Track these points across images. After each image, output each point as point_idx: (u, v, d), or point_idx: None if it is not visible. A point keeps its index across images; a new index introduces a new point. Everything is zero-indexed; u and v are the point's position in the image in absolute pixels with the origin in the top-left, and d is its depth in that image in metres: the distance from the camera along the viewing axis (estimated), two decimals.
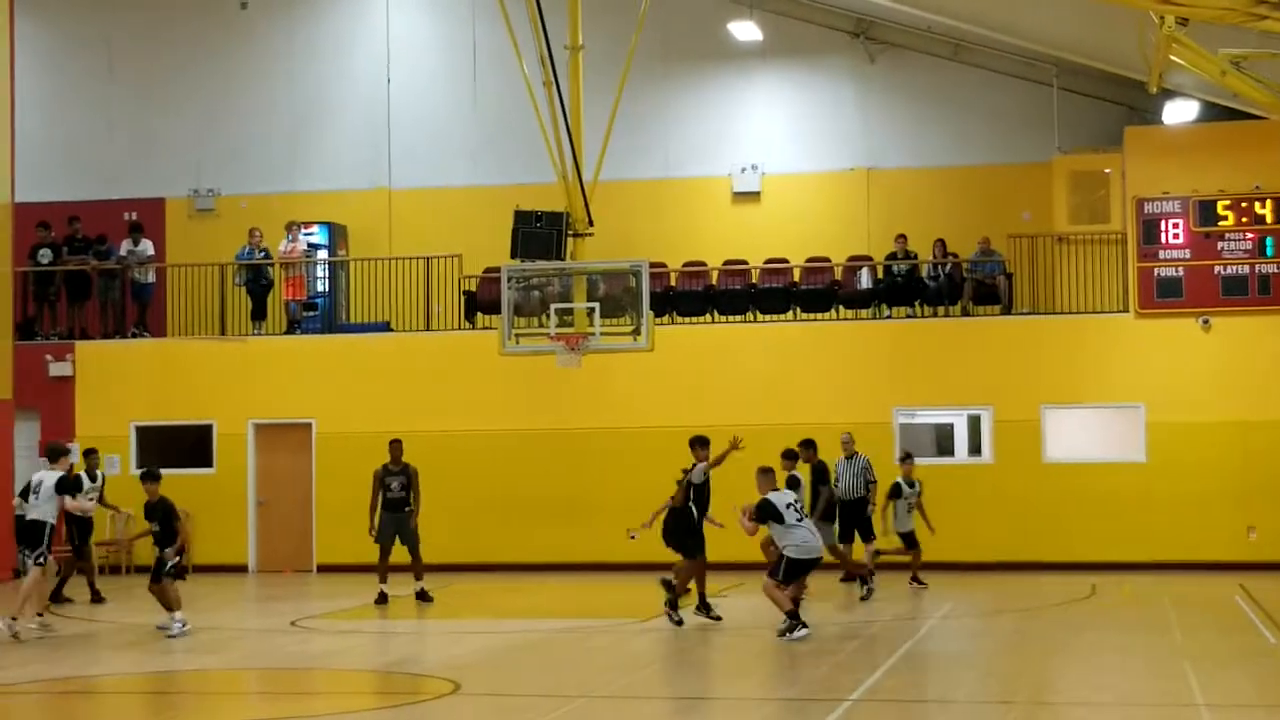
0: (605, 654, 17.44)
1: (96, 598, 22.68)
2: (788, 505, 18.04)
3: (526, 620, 20.58)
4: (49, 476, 18.99)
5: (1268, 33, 17.11)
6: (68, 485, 19.30)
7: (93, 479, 22.93)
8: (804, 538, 17.98)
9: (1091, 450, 26.27)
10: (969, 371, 26.34)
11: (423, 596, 21.96)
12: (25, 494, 19.28)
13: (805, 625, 17.83)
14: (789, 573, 18.00)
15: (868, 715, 13.47)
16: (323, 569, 27.17)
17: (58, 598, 22.41)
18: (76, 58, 31.44)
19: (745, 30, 28.61)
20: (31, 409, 27.54)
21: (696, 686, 15.59)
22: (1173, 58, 18.86)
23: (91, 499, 22.56)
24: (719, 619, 19.12)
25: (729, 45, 29.17)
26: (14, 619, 18.20)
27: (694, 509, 19.11)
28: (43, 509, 18.85)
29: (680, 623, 18.73)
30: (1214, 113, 26.25)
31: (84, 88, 31.27)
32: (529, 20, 21.04)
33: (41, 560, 18.76)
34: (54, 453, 19.50)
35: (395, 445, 22.23)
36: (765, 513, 17.98)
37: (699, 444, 19.62)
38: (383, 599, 21.70)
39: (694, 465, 19.30)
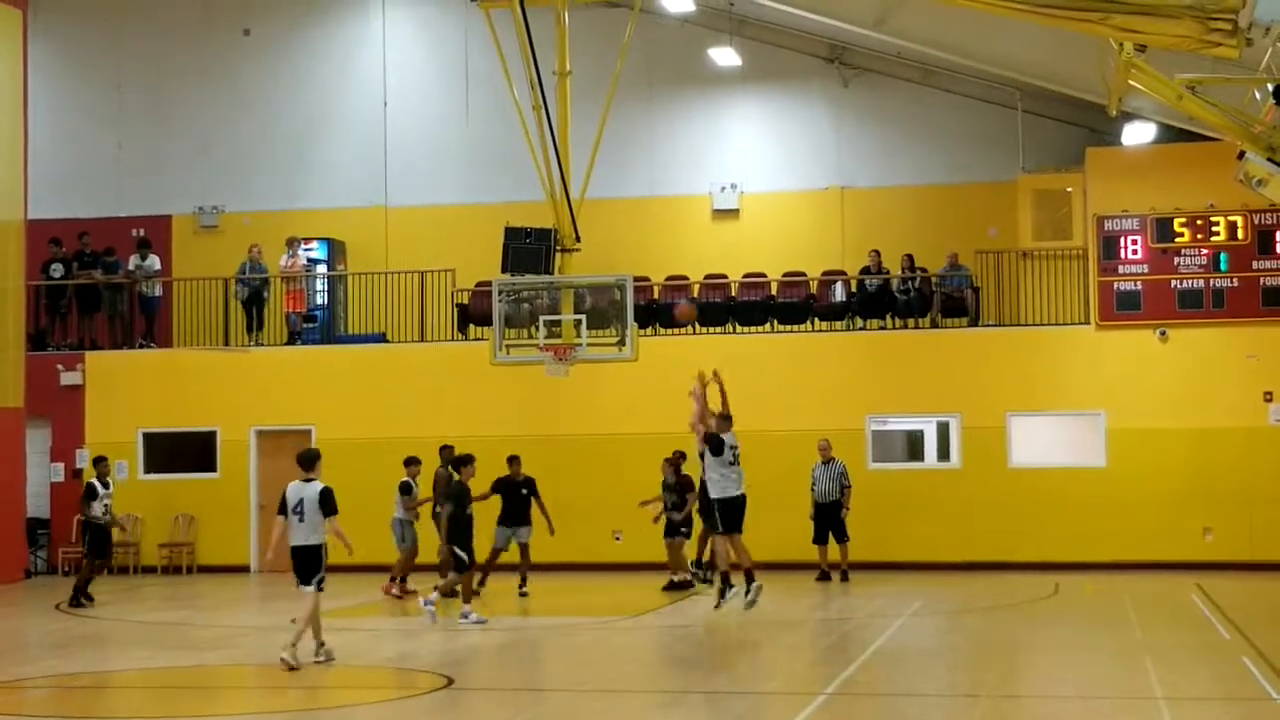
0: (592, 650, 17.67)
1: (77, 601, 22.34)
2: (731, 446, 19.22)
3: (518, 618, 20.75)
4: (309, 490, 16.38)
5: (1221, 59, 16.65)
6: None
7: (105, 486, 22.84)
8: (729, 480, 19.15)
9: (1054, 456, 26.49)
10: (938, 381, 26.62)
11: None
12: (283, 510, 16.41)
13: (732, 588, 19.00)
14: (723, 519, 19.09)
15: (842, 708, 13.73)
16: None
17: (78, 600, 22.37)
18: (87, 81, 31.56)
19: (725, 56, 28.76)
20: (43, 416, 27.98)
21: (679, 681, 15.61)
22: (1131, 82, 18.61)
23: (107, 504, 22.73)
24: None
25: (710, 70, 29.30)
26: (294, 645, 16.18)
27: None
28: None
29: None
30: (1171, 135, 26.49)
31: (94, 110, 31.41)
32: (519, 47, 21.32)
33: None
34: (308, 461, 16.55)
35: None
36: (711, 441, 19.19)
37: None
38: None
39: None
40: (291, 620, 16.97)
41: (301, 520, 16.29)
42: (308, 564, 16.39)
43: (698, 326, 28.06)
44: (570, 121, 22.15)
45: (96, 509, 22.66)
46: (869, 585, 23.82)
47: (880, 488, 26.16)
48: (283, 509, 16.38)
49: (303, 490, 16.32)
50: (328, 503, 16.28)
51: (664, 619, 20.25)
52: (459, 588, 19.97)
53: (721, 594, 19.36)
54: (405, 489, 23.03)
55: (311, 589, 16.24)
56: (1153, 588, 23.29)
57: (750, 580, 19.04)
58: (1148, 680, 14.80)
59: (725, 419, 19.59)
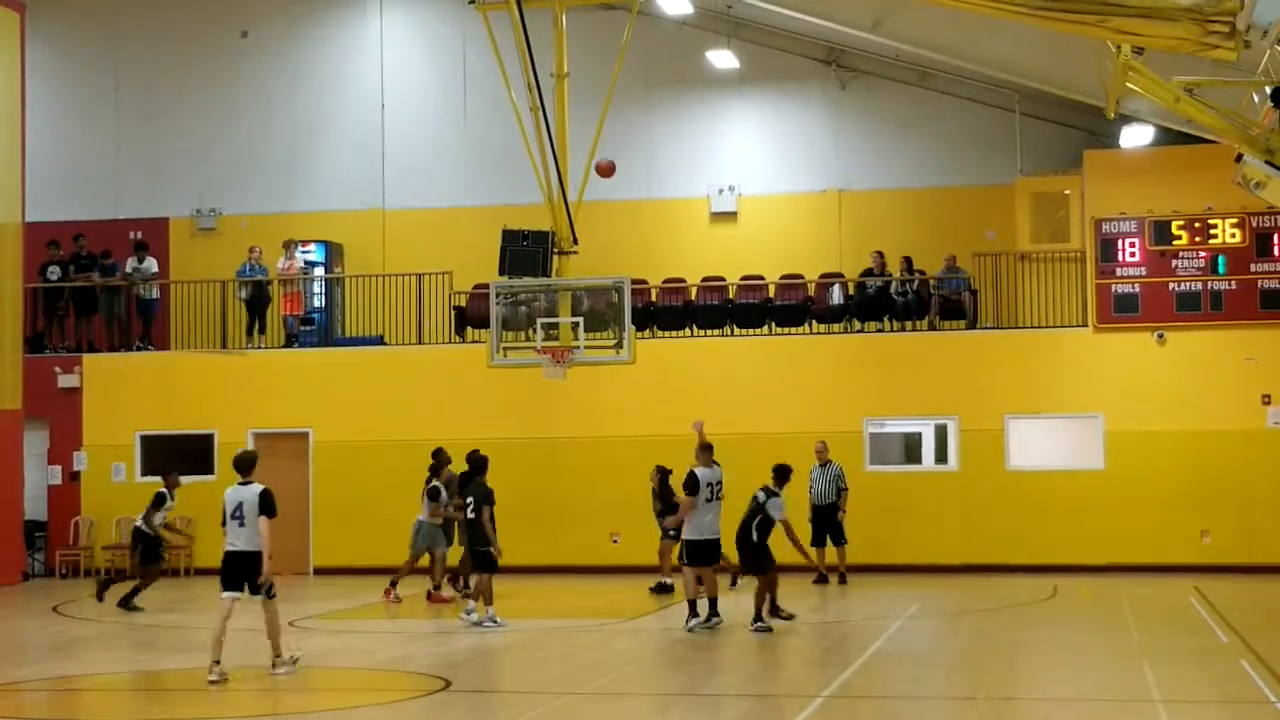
0: (590, 652, 17.67)
1: (131, 605, 22.01)
2: (708, 484, 18.97)
3: (514, 620, 20.54)
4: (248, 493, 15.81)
5: (1219, 61, 16.72)
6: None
7: (170, 497, 22.44)
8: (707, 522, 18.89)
9: (1052, 458, 26.53)
10: (936, 383, 26.64)
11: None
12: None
13: (698, 616, 18.62)
14: (690, 556, 18.89)
15: (840, 710, 13.82)
16: (319, 572, 27.27)
17: (129, 605, 21.92)
18: (84, 84, 31.58)
19: (723, 59, 28.82)
20: (41, 419, 27.96)
21: (677, 683, 15.67)
22: (1129, 85, 18.70)
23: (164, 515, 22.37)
24: (792, 617, 19.56)
25: (707, 73, 29.34)
26: (279, 656, 15.99)
27: (755, 531, 19.15)
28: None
29: (769, 629, 18.82)
30: (1168, 137, 26.52)
31: (92, 112, 31.42)
32: (517, 49, 21.30)
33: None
34: (246, 464, 16.05)
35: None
36: (688, 483, 18.98)
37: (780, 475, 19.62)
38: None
39: (769, 497, 19.28)
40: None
41: (242, 525, 15.63)
42: (250, 571, 15.66)
43: (695, 329, 28.13)
44: (568, 124, 22.11)
45: (158, 519, 22.27)
46: (867, 588, 23.83)
47: (878, 490, 26.19)
48: (224, 518, 15.75)
49: (241, 494, 15.70)
50: (268, 504, 15.61)
51: (662, 621, 20.26)
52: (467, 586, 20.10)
53: (707, 620, 19.14)
54: (434, 495, 22.71)
55: (262, 597, 15.70)
56: (1150, 590, 23.29)
57: (713, 613, 18.90)
58: (1145, 683, 14.84)
59: (705, 448, 19.45)
